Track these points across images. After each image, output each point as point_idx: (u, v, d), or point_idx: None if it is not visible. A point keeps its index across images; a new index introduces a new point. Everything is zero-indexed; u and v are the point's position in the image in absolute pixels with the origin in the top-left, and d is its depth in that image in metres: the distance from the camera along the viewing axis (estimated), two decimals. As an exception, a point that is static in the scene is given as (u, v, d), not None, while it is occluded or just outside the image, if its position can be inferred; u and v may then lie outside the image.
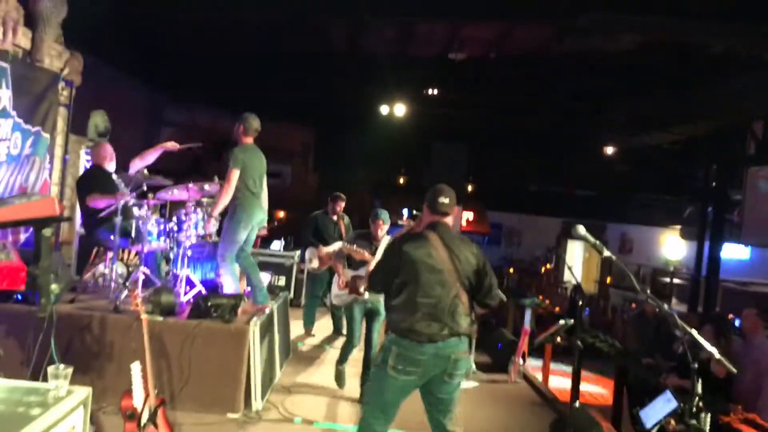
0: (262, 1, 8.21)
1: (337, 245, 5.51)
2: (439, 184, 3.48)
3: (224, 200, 5.07)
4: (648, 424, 3.90)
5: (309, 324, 7.92)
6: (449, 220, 3.44)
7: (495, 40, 9.42)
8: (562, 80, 10.85)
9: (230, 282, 5.18)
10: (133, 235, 5.22)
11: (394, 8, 8.11)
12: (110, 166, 5.75)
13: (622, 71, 9.99)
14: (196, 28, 9.52)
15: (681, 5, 7.25)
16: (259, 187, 5.23)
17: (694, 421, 3.48)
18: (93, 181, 5.49)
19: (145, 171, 5.35)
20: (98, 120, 8.36)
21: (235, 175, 5.00)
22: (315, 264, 6.24)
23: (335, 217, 7.68)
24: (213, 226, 5.24)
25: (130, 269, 5.42)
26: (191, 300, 5.06)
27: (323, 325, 8.08)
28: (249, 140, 5.24)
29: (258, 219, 5.25)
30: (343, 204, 7.73)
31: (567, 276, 14.31)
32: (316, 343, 7.59)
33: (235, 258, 5.21)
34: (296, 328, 7.57)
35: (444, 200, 3.38)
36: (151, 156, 5.59)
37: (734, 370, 3.47)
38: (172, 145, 5.59)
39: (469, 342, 3.36)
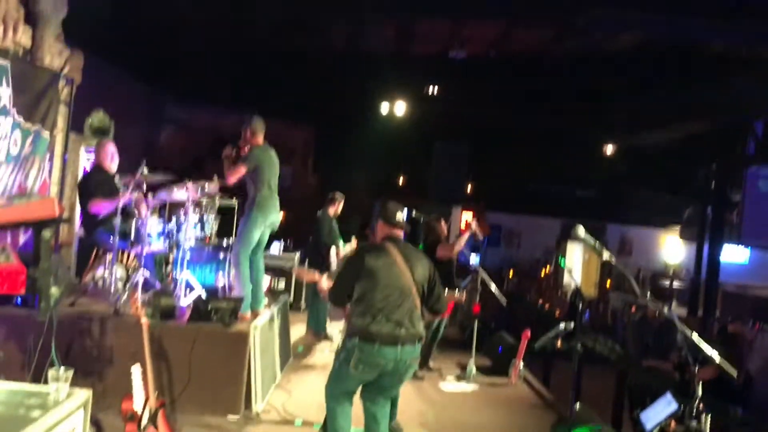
0: (262, 1, 8.19)
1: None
2: (390, 200, 3.82)
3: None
4: (648, 426, 3.90)
5: (321, 329, 7.69)
6: (401, 233, 3.79)
7: (495, 40, 9.40)
8: (562, 80, 10.84)
9: (240, 283, 5.16)
10: (132, 237, 5.22)
11: (394, 7, 8.09)
12: (112, 165, 5.74)
13: (622, 71, 9.97)
14: (197, 27, 9.49)
15: (681, 4, 7.23)
16: (275, 188, 5.25)
17: (694, 423, 3.49)
18: (95, 184, 5.49)
19: (145, 170, 5.34)
20: (96, 119, 8.36)
21: (240, 170, 5.03)
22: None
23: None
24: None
25: (130, 272, 5.42)
26: (191, 303, 5.05)
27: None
28: (260, 140, 5.26)
29: (272, 219, 5.23)
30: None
31: (566, 279, 14.28)
32: (316, 345, 7.56)
33: (248, 258, 5.18)
34: (296, 331, 7.54)
35: (400, 216, 3.75)
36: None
37: (734, 374, 3.47)
38: None
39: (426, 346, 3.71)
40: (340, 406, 3.64)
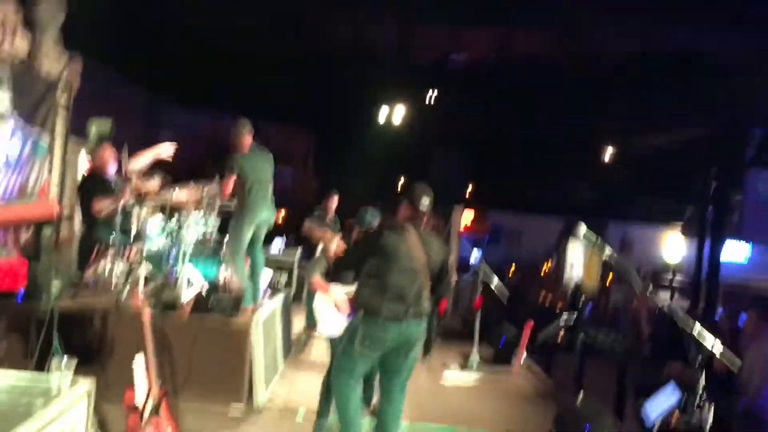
0: (263, 4, 8.23)
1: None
2: (422, 184, 3.83)
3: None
4: (651, 417, 3.90)
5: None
6: (423, 218, 3.82)
7: (496, 44, 9.44)
8: (562, 81, 10.85)
9: (238, 280, 5.20)
10: (133, 233, 5.24)
11: (395, 12, 8.12)
12: (111, 168, 5.80)
13: (622, 72, 9.99)
14: (197, 31, 9.52)
15: (681, 8, 7.25)
16: (264, 188, 5.28)
17: (697, 414, 3.48)
18: (93, 188, 5.54)
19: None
20: (99, 126, 8.38)
21: (230, 180, 5.11)
22: None
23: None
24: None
25: (132, 267, 5.42)
26: (193, 296, 5.05)
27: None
28: (247, 143, 5.27)
29: (264, 217, 5.30)
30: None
31: (567, 275, 14.25)
32: (317, 336, 7.54)
33: (244, 255, 5.25)
34: (298, 323, 7.52)
35: (426, 202, 3.75)
36: (145, 160, 5.62)
37: (736, 365, 3.46)
38: (166, 152, 5.65)
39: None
40: (347, 396, 3.62)
